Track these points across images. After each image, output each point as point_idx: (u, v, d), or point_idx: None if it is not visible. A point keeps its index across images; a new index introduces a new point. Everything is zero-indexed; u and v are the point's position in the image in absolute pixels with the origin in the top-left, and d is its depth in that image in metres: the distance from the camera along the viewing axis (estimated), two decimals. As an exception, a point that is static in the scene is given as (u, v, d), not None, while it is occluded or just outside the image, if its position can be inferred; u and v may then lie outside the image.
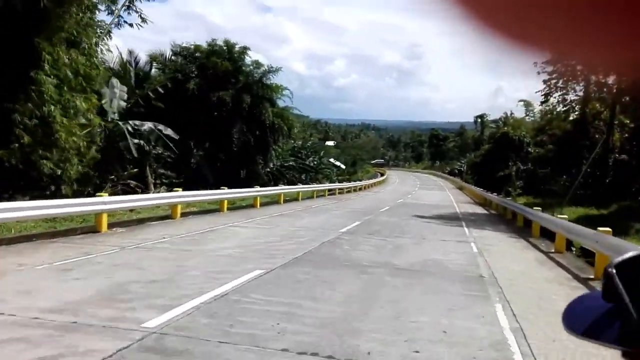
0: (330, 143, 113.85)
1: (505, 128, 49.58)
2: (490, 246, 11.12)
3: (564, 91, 29.99)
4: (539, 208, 15.35)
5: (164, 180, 23.98)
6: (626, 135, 27.85)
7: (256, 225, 12.74)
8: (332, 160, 58.01)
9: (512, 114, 74.24)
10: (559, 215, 16.04)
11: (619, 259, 0.39)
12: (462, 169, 58.75)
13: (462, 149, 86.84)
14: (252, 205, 18.75)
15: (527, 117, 56.06)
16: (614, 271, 0.38)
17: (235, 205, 18.44)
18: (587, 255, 10.05)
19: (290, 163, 40.50)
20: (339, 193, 35.20)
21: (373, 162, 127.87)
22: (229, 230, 11.50)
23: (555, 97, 29.19)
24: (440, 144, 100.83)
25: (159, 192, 19.13)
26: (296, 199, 24.55)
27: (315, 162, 52.21)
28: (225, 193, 16.16)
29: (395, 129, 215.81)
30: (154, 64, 25.76)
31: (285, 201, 23.83)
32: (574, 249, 11.03)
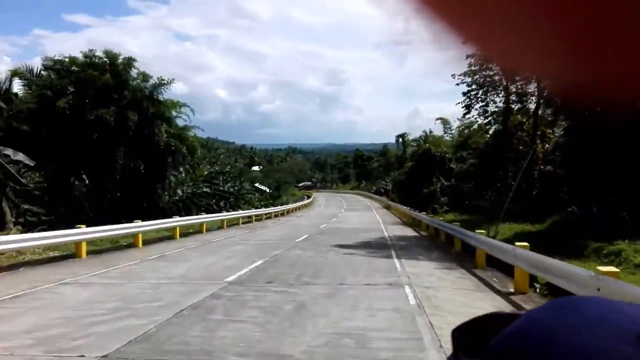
0: (255, 168, 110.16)
1: (427, 145, 48.51)
2: (432, 290, 7.96)
3: (484, 102, 28.50)
4: (482, 231, 12.61)
5: (29, 218, 19.08)
6: (547, 146, 26.73)
7: (102, 282, 8.76)
8: (257, 185, 54.10)
9: (430, 132, 74.73)
10: (493, 236, 13.45)
11: (462, 323, 0.39)
12: (387, 187, 57.10)
13: (386, 168, 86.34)
14: (133, 245, 14.58)
15: (446, 135, 55.79)
16: (455, 335, 0.39)
17: (107, 247, 14.20)
18: (556, 294, 7.24)
19: (205, 190, 36.19)
20: (257, 220, 31.45)
21: (300, 185, 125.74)
22: (41, 297, 7.46)
23: (476, 109, 27.57)
24: (365, 164, 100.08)
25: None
26: (200, 231, 20.52)
27: (236, 188, 48.24)
28: (78, 234, 11.94)
29: (322, 151, 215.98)
30: (18, 80, 21.00)
31: (188, 234, 19.74)
32: (537, 285, 8.17)
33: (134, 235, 14.55)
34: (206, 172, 44.95)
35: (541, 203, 24.94)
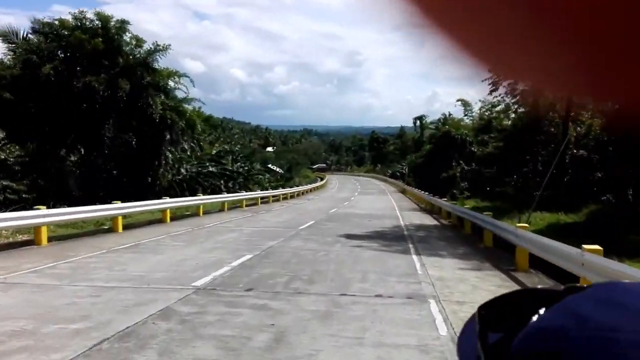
0: (270, 149, 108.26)
1: (446, 127, 45.76)
2: (467, 307, 5.77)
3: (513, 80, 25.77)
4: (525, 225, 10.30)
5: (8, 195, 17.29)
6: (579, 128, 23.99)
7: (35, 282, 6.74)
8: (270, 166, 52.11)
9: (450, 115, 71.78)
10: (519, 225, 11.18)
11: (490, 299, 0.37)
12: (403, 171, 54.64)
13: (403, 151, 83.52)
14: (112, 230, 12.64)
15: (466, 117, 52.89)
16: (482, 312, 0.36)
17: (85, 231, 12.28)
18: None
19: (211, 169, 34.33)
20: (264, 202, 29.46)
21: (315, 166, 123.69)
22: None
23: (503, 86, 24.78)
24: (381, 147, 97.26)
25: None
26: (196, 214, 18.56)
27: (246, 168, 46.38)
28: (35, 216, 9.98)
29: (338, 134, 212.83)
30: (1, 44, 19.03)
31: (183, 217, 17.81)
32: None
33: (112, 219, 12.59)
34: (214, 151, 43.14)
35: (573, 189, 22.41)
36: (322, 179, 68.94)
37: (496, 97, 26.35)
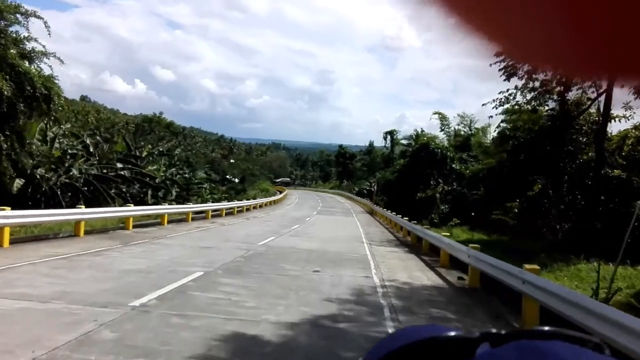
0: (232, 161, 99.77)
1: (425, 139, 38.76)
2: None
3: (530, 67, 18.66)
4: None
5: None
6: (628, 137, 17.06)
7: None
8: (228, 176, 43.74)
9: (422, 131, 65.31)
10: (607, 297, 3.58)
11: (388, 352, 0.31)
12: (372, 188, 47.28)
13: (371, 167, 76.75)
14: None
15: (442, 133, 46.28)
16: None
17: None
18: None
19: (123, 172, 25.93)
20: (199, 218, 21.28)
21: (278, 180, 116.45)
22: None
23: (518, 77, 17.46)
24: (348, 162, 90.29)
25: None
26: (74, 235, 10.28)
27: (186, 176, 37.89)
28: None
29: (306, 150, 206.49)
30: None
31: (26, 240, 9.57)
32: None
33: None
34: (145, 153, 34.54)
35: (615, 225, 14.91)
36: (280, 193, 61.04)
37: (508, 91, 18.93)
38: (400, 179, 36.88)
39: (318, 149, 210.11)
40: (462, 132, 46.75)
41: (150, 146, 38.05)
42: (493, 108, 19.02)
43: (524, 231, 19.28)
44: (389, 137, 72.87)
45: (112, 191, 23.54)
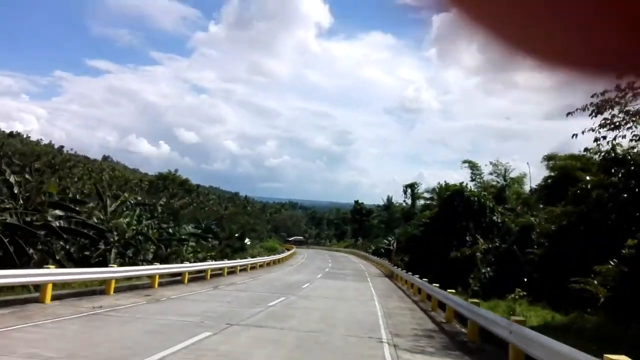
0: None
1: (459, 186, 31.48)
2: None
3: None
4: None
5: None
6: None
7: None
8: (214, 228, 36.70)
9: (446, 184, 58.16)
10: None
11: None
12: (390, 247, 39.51)
13: (389, 224, 69.14)
14: None
15: (473, 183, 39.01)
16: None
17: None
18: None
19: (51, 221, 19.14)
20: (174, 282, 14.21)
21: (291, 239, 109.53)
22: None
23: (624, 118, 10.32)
24: (364, 219, 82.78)
25: None
26: None
27: (170, 231, 31.13)
28: None
29: (323, 209, 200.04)
30: None
31: None
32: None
33: None
34: (118, 202, 28.21)
35: None
36: (288, 250, 53.57)
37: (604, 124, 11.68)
38: (428, 234, 29.31)
39: (334, 208, 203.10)
40: (495, 183, 39.48)
41: (126, 194, 31.65)
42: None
43: (626, 306, 11.59)
44: (409, 190, 65.64)
45: (39, 247, 16.64)
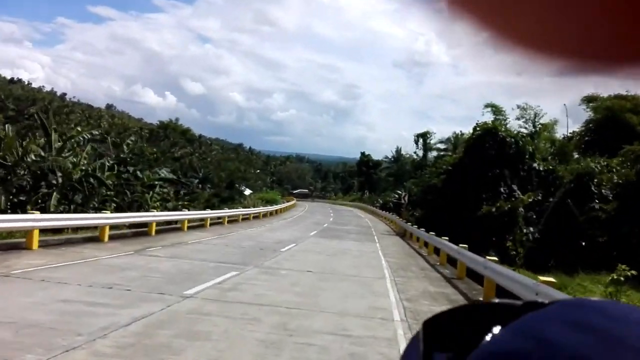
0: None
1: (490, 122, 25.02)
2: None
3: None
4: None
5: None
6: None
7: None
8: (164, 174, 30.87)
9: (462, 133, 51.33)
10: None
11: (436, 314, 0.32)
12: (402, 200, 33.51)
13: (399, 177, 63.16)
14: None
15: (520, 127, 32.65)
16: (427, 327, 0.31)
17: None
18: None
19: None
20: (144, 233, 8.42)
21: (296, 191, 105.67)
22: None
23: None
24: (371, 171, 76.75)
25: None
26: None
27: (124, 176, 25.54)
28: None
29: (330, 163, 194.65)
30: None
31: None
32: None
33: None
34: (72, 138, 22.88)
35: None
36: (288, 202, 48.17)
37: None
38: (449, 184, 23.28)
39: (342, 162, 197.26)
40: (524, 130, 32.96)
41: (79, 129, 25.74)
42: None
43: None
44: (420, 141, 59.21)
45: None
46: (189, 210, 22.71)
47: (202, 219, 20.87)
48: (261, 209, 31.06)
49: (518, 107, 34.14)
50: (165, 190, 27.48)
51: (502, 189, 21.81)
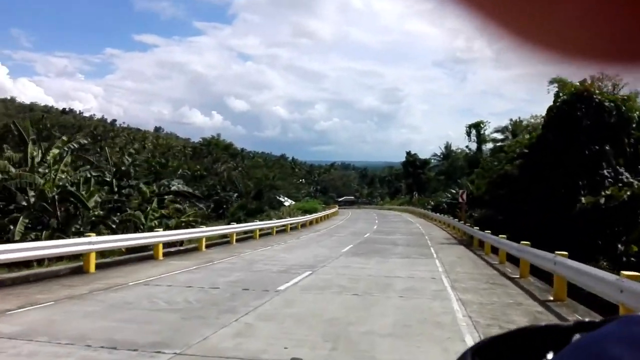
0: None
1: (586, 84, 18.68)
2: None
3: None
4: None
5: None
6: None
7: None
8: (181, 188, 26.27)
9: (520, 120, 44.58)
10: None
11: (478, 342, 0.29)
12: (460, 199, 27.18)
13: (450, 175, 56.37)
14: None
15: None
16: (474, 356, 0.28)
17: None
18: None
19: None
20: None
21: (341, 199, 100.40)
22: None
23: None
24: (419, 172, 70.10)
25: None
26: None
27: (124, 192, 21.46)
28: None
29: (376, 169, 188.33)
30: None
31: None
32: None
33: None
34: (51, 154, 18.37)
35: None
36: (326, 211, 42.90)
37: None
38: (528, 170, 17.12)
39: (388, 167, 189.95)
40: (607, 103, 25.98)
41: (64, 138, 21.71)
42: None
43: None
44: (473, 132, 52.30)
45: None
46: (193, 227, 17.95)
47: (224, 235, 16.40)
48: (287, 221, 25.85)
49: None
50: (178, 205, 23.06)
51: (605, 172, 15.56)
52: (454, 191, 42.82)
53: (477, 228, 18.26)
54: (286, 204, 61.49)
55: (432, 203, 48.38)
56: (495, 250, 13.56)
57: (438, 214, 37.53)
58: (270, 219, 27.56)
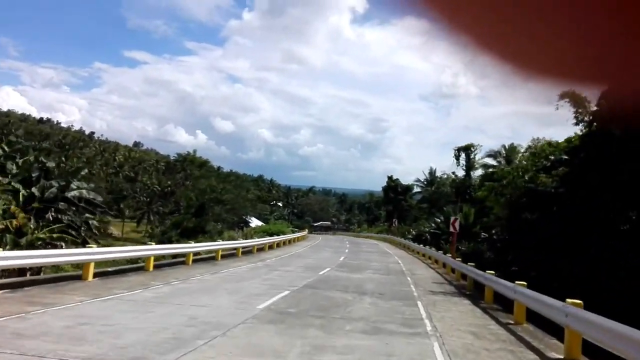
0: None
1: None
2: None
3: None
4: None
5: None
6: None
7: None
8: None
9: (511, 146, 39.57)
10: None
11: None
12: (451, 228, 20.83)
13: (434, 202, 50.39)
14: None
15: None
16: None
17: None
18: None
19: None
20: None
21: (317, 224, 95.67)
22: None
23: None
24: (399, 198, 63.99)
25: None
26: None
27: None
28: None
29: (357, 197, 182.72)
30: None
31: None
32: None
33: None
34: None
35: None
36: (289, 235, 36.13)
37: None
38: (571, 185, 10.84)
39: (369, 194, 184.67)
40: None
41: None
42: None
43: None
44: (462, 155, 46.59)
45: None
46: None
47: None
48: (225, 244, 18.93)
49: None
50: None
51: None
52: (438, 220, 36.72)
53: (473, 265, 12.31)
54: (252, 224, 54.49)
55: (414, 232, 42.08)
56: (535, 315, 7.16)
57: (421, 245, 31.13)
58: (214, 241, 20.89)
